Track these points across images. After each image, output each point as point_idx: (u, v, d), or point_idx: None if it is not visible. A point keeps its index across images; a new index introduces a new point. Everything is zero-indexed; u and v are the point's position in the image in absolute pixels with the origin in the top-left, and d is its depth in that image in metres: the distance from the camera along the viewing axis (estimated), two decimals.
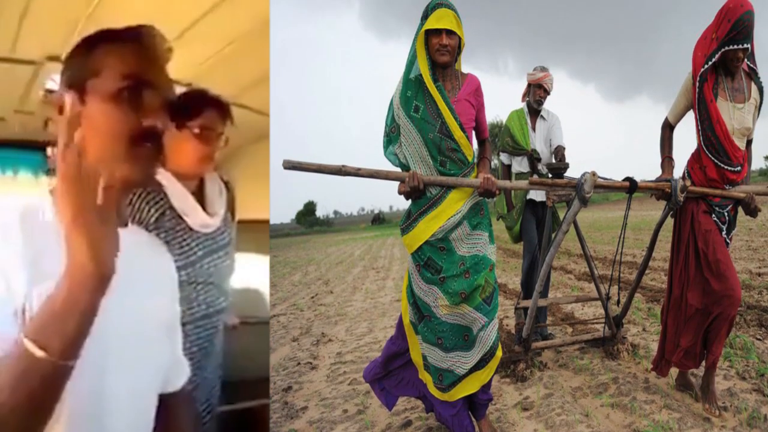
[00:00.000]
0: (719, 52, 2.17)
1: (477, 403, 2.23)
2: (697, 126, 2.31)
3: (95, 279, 0.69)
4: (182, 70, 2.04)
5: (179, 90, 1.81)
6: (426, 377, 2.19)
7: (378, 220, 74.97)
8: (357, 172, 1.99)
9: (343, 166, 1.96)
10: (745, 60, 2.25)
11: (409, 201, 2.08)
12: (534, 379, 2.94)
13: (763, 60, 2.58)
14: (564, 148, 3.33)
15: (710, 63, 2.20)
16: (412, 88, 2.02)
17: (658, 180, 2.35)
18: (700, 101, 2.26)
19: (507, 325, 4.25)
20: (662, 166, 2.44)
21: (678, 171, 2.46)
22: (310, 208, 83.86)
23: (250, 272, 3.38)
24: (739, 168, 2.29)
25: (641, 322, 3.96)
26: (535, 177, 3.17)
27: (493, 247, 2.15)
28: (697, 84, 2.26)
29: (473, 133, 2.15)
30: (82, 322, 0.69)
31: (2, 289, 0.76)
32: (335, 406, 2.89)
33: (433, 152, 2.01)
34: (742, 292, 2.57)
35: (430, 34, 1.97)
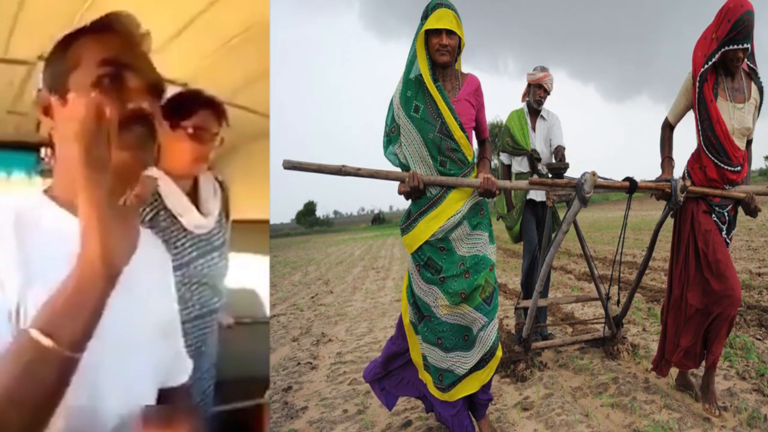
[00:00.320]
0: (719, 52, 2.17)
1: (477, 403, 2.23)
2: (697, 126, 2.31)
3: (104, 276, 0.69)
4: (181, 68, 2.04)
5: (174, 90, 1.81)
6: (426, 377, 2.19)
7: (378, 220, 74.98)
8: (357, 172, 1.99)
9: (343, 166, 1.96)
10: (745, 60, 2.25)
11: (409, 201, 2.08)
12: (534, 379, 2.94)
13: (763, 60, 2.58)
14: (564, 148, 3.33)
15: (710, 63, 2.20)
16: (412, 88, 2.02)
17: (658, 180, 2.35)
18: (700, 101, 2.26)
19: (507, 325, 4.25)
20: (662, 166, 2.44)
21: (678, 171, 2.46)
22: (310, 208, 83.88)
23: (246, 272, 3.38)
24: (739, 168, 2.29)
25: (641, 322, 3.96)
26: (535, 177, 3.17)
27: (493, 247, 2.15)
28: (697, 84, 2.26)
29: (473, 133, 2.15)
30: (91, 316, 0.70)
31: None
32: (335, 406, 2.89)
33: (433, 152, 2.01)
34: (742, 292, 2.57)
35: (430, 34, 1.97)
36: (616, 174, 6.86)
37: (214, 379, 1.96)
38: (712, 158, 2.27)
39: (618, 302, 3.01)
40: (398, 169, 2.10)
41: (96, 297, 0.70)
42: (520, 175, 3.48)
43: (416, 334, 2.17)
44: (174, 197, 1.74)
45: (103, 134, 0.73)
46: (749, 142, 2.37)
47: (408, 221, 2.08)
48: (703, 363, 2.41)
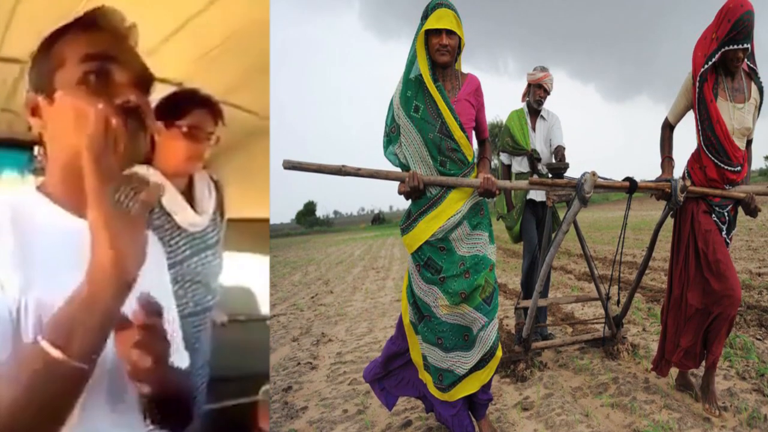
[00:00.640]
0: (719, 52, 2.17)
1: (477, 403, 2.23)
2: (697, 126, 2.31)
3: (116, 283, 0.69)
4: (180, 67, 2.04)
5: (169, 89, 1.82)
6: (426, 377, 2.19)
7: (378, 220, 74.97)
8: (357, 172, 1.99)
9: (343, 166, 1.96)
10: (745, 60, 2.25)
11: (409, 201, 2.08)
12: (534, 379, 2.94)
13: (763, 60, 2.57)
14: (564, 148, 3.33)
15: (710, 63, 2.20)
16: (412, 88, 2.02)
17: (658, 180, 2.35)
18: (700, 101, 2.26)
19: (507, 325, 4.25)
20: (662, 166, 2.44)
21: (678, 171, 2.46)
22: (310, 208, 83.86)
23: (243, 270, 3.39)
24: (739, 168, 2.29)
25: (641, 322, 3.96)
26: (535, 177, 3.17)
27: (493, 247, 2.15)
28: (697, 84, 2.26)
29: (473, 133, 2.15)
30: (101, 325, 0.69)
31: None
32: (335, 406, 2.89)
33: (433, 152, 2.01)
34: (742, 292, 2.57)
35: (430, 34, 1.97)
36: (616, 174, 6.86)
37: (207, 377, 1.97)
38: (712, 158, 2.27)
39: (618, 302, 3.01)
40: (398, 169, 2.10)
41: (108, 306, 0.69)
42: (520, 175, 3.48)
43: (416, 334, 2.17)
44: (169, 195, 1.75)
45: (110, 144, 0.73)
46: (749, 142, 2.37)
47: (408, 221, 2.08)
48: (703, 363, 2.41)
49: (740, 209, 2.37)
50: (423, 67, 1.99)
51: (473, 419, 2.25)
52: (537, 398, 2.66)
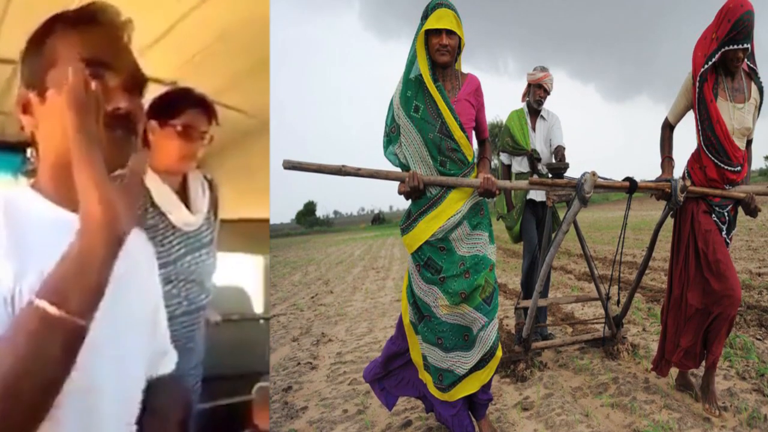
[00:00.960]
0: (719, 52, 2.17)
1: (477, 403, 2.23)
2: (697, 126, 2.31)
3: (107, 236, 0.70)
4: (179, 66, 2.04)
5: (163, 88, 1.82)
6: (426, 377, 2.19)
7: (378, 220, 74.98)
8: (357, 172, 1.99)
9: (343, 166, 1.96)
10: (745, 60, 2.25)
11: (409, 201, 2.08)
12: (534, 379, 2.94)
13: (763, 60, 2.57)
14: (564, 148, 3.33)
15: (710, 63, 2.20)
16: (412, 88, 2.02)
17: (658, 180, 2.35)
18: (700, 101, 2.26)
19: (507, 325, 4.25)
20: (662, 166, 2.44)
21: (678, 171, 2.46)
22: (310, 208, 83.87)
23: (239, 270, 3.40)
24: (739, 168, 2.29)
25: (641, 322, 3.96)
26: (535, 177, 3.17)
27: (493, 247, 2.15)
28: (697, 84, 2.26)
29: (473, 133, 2.15)
30: (97, 280, 0.70)
31: None
32: (335, 406, 2.89)
33: (433, 152, 2.01)
34: (742, 292, 2.57)
35: (430, 34, 1.97)
36: (616, 174, 6.86)
37: (200, 376, 1.98)
38: (712, 158, 2.27)
39: (618, 302, 3.01)
40: (398, 169, 2.10)
41: (101, 259, 0.70)
42: (520, 175, 3.48)
43: (416, 334, 2.17)
44: (162, 194, 1.76)
45: (92, 103, 0.73)
46: (749, 142, 2.37)
47: (408, 221, 2.08)
48: (703, 363, 2.41)
49: (740, 209, 2.37)
50: (423, 67, 1.98)
51: (473, 419, 2.24)
52: (537, 398, 2.66)
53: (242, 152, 2.78)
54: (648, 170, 3.59)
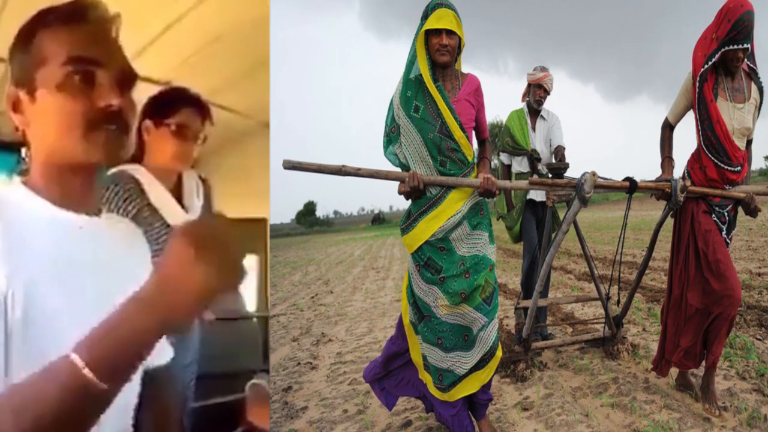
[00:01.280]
0: (719, 52, 2.17)
1: (477, 403, 2.23)
2: (697, 126, 2.31)
3: (167, 317, 0.66)
4: (178, 66, 2.04)
5: (158, 88, 1.83)
6: (426, 377, 2.19)
7: (378, 220, 74.98)
8: (357, 172, 1.99)
9: (343, 166, 1.96)
10: (745, 60, 2.25)
11: (409, 201, 2.08)
12: (534, 379, 2.94)
13: (763, 60, 2.57)
14: (564, 148, 3.33)
15: (710, 63, 2.20)
16: (412, 88, 2.02)
17: (658, 180, 2.35)
18: (700, 101, 2.26)
19: (507, 325, 4.24)
20: (662, 166, 2.44)
21: (678, 171, 2.46)
22: (310, 208, 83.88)
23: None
24: (739, 168, 2.29)
25: (641, 322, 3.96)
26: (535, 177, 3.17)
27: (493, 247, 2.14)
28: (697, 84, 2.26)
29: (473, 133, 2.15)
30: (138, 356, 0.67)
31: None
32: (335, 406, 2.89)
33: (433, 152, 2.01)
34: (742, 292, 2.57)
35: (430, 34, 1.97)
36: (616, 174, 6.86)
37: (195, 374, 1.98)
38: (712, 158, 2.27)
39: (618, 302, 3.01)
40: (398, 169, 2.10)
41: (150, 340, 0.66)
42: (520, 175, 3.48)
43: (416, 334, 2.17)
44: (157, 194, 1.77)
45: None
46: (749, 142, 2.37)
47: (408, 221, 2.08)
48: (703, 363, 2.41)
49: (740, 209, 2.37)
50: (423, 67, 1.98)
51: (473, 419, 2.24)
52: (537, 398, 2.66)
53: (242, 152, 2.78)
54: (648, 170, 3.60)
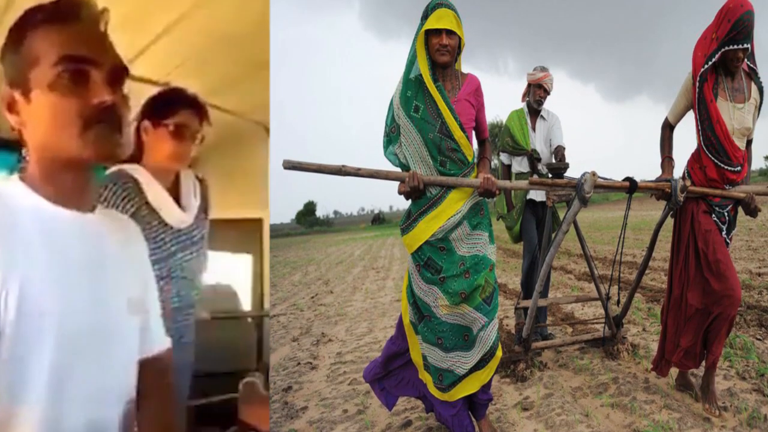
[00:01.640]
0: (719, 52, 2.17)
1: (477, 403, 2.23)
2: (697, 126, 2.31)
3: None
4: (178, 67, 2.04)
5: (156, 89, 1.84)
6: (426, 377, 2.19)
7: (378, 220, 74.97)
8: (357, 172, 1.99)
9: (343, 166, 1.96)
10: (745, 60, 2.25)
11: (409, 201, 2.08)
12: (534, 379, 2.94)
13: (763, 60, 2.57)
14: (564, 148, 3.33)
15: (710, 63, 2.20)
16: (412, 88, 2.02)
17: (658, 180, 2.35)
18: (700, 101, 2.26)
19: (507, 325, 4.24)
20: (662, 166, 2.44)
21: (678, 171, 2.46)
22: (310, 208, 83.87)
23: (227, 268, 3.43)
24: (739, 168, 2.29)
25: (641, 322, 3.96)
26: (535, 177, 3.17)
27: (493, 247, 2.14)
28: (697, 84, 2.26)
29: (473, 133, 2.15)
30: None
31: None
32: (335, 406, 2.89)
33: (433, 152, 2.01)
34: (742, 292, 2.57)
35: (430, 34, 1.97)
36: (616, 174, 6.85)
37: (191, 372, 1.99)
38: (712, 158, 2.27)
39: (618, 302, 3.01)
40: (398, 169, 2.10)
41: None
42: (520, 175, 3.48)
43: (416, 334, 2.17)
44: (155, 193, 1.79)
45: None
46: (749, 142, 2.37)
47: (408, 221, 2.08)
48: (703, 363, 2.41)
49: (740, 209, 2.37)
50: (423, 67, 1.98)
51: (473, 419, 2.24)
52: (537, 398, 2.66)
53: (242, 152, 2.78)
54: (648, 170, 3.59)
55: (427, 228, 2.02)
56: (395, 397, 2.38)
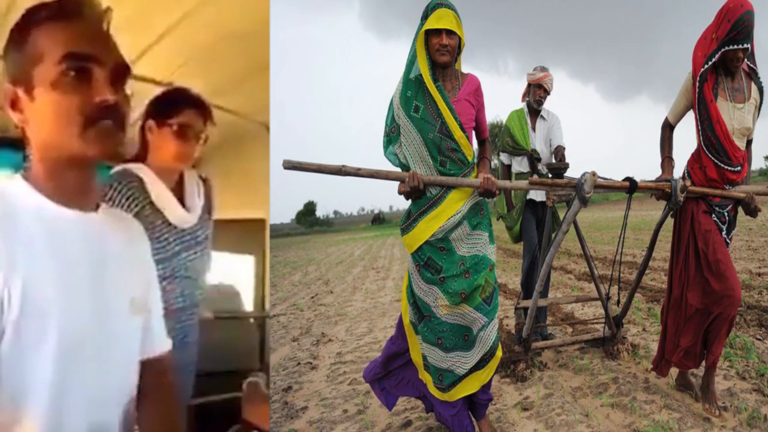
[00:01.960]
0: (719, 52, 2.17)
1: (477, 403, 2.23)
2: (697, 126, 2.31)
3: None
4: (178, 67, 2.04)
5: (160, 89, 1.85)
6: (426, 377, 2.19)
7: (378, 220, 74.98)
8: (357, 172, 1.99)
9: (343, 166, 1.96)
10: (745, 60, 2.25)
11: (409, 201, 2.08)
12: (534, 379, 2.94)
13: (763, 60, 2.57)
14: (564, 148, 3.33)
15: (710, 63, 2.20)
16: (412, 88, 2.02)
17: (658, 180, 2.35)
18: (700, 101, 2.26)
19: (507, 325, 4.25)
20: (662, 166, 2.44)
21: (678, 171, 2.46)
22: (310, 208, 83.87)
23: (230, 268, 3.43)
24: (739, 168, 2.29)
25: (641, 322, 3.96)
26: (535, 177, 3.17)
27: (493, 247, 2.14)
28: (697, 84, 2.26)
29: (473, 133, 2.15)
30: None
31: None
32: (335, 406, 2.89)
33: (433, 152, 2.01)
34: (742, 292, 2.57)
35: (430, 34, 1.97)
36: (616, 174, 6.85)
37: (194, 371, 1.99)
38: (712, 158, 2.27)
39: (618, 302, 3.01)
40: (398, 169, 2.10)
41: None
42: (520, 175, 3.48)
43: (416, 334, 2.17)
44: (159, 193, 1.79)
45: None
46: (749, 142, 2.37)
47: (408, 221, 2.08)
48: (703, 363, 2.41)
49: (740, 209, 2.37)
50: (423, 67, 1.98)
51: (473, 419, 2.24)
52: (537, 398, 2.66)
53: (242, 152, 2.78)
54: (648, 170, 3.59)
55: (427, 228, 2.02)
56: (395, 397, 2.38)
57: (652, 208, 17.50)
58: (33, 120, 0.88)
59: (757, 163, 44.06)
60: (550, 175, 2.88)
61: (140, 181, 1.75)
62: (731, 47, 2.13)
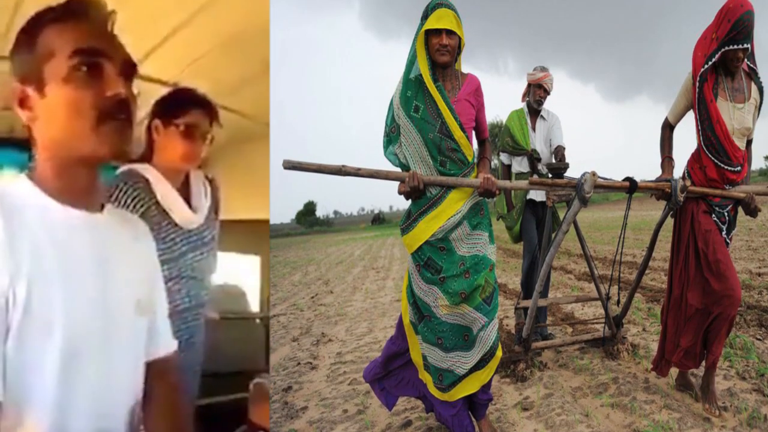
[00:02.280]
0: (719, 52, 2.17)
1: (477, 403, 2.23)
2: (697, 126, 2.31)
3: None
4: (178, 67, 2.04)
5: (167, 89, 1.84)
6: (426, 377, 2.19)
7: (378, 220, 74.97)
8: (357, 172, 1.99)
9: (343, 166, 1.96)
10: (745, 60, 2.25)
11: (409, 201, 2.08)
12: (534, 379, 2.94)
13: (763, 60, 2.57)
14: (564, 148, 3.33)
15: (710, 63, 2.20)
16: (412, 88, 2.02)
17: (658, 180, 2.35)
18: (700, 101, 2.26)
19: (507, 325, 4.25)
20: (662, 166, 2.44)
21: (678, 171, 2.46)
22: (310, 208, 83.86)
23: (234, 269, 3.44)
24: (739, 168, 2.29)
25: (641, 322, 3.96)
26: (535, 177, 3.17)
27: (493, 247, 2.14)
28: (697, 84, 2.26)
29: (473, 133, 2.15)
30: None
31: None
32: (335, 406, 2.89)
33: (433, 152, 2.01)
34: (742, 292, 2.57)
35: (430, 34, 1.97)
36: (616, 174, 6.85)
37: (199, 372, 1.99)
38: (712, 158, 2.27)
39: (618, 302, 3.01)
40: (398, 169, 2.10)
41: None
42: (520, 175, 3.48)
43: (416, 334, 2.17)
44: (165, 193, 1.78)
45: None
46: (749, 142, 2.37)
47: (408, 221, 2.08)
48: (703, 363, 2.41)
49: (740, 209, 2.37)
50: (423, 67, 1.98)
51: (473, 419, 2.24)
52: (537, 398, 2.66)
53: (242, 152, 2.78)
54: (648, 170, 3.59)
55: (427, 228, 2.02)
56: (395, 397, 2.38)
57: (652, 208, 17.50)
58: (43, 117, 0.88)
59: (757, 163, 44.07)
60: (550, 175, 2.88)
61: (146, 181, 1.75)
62: (731, 47, 2.13)
